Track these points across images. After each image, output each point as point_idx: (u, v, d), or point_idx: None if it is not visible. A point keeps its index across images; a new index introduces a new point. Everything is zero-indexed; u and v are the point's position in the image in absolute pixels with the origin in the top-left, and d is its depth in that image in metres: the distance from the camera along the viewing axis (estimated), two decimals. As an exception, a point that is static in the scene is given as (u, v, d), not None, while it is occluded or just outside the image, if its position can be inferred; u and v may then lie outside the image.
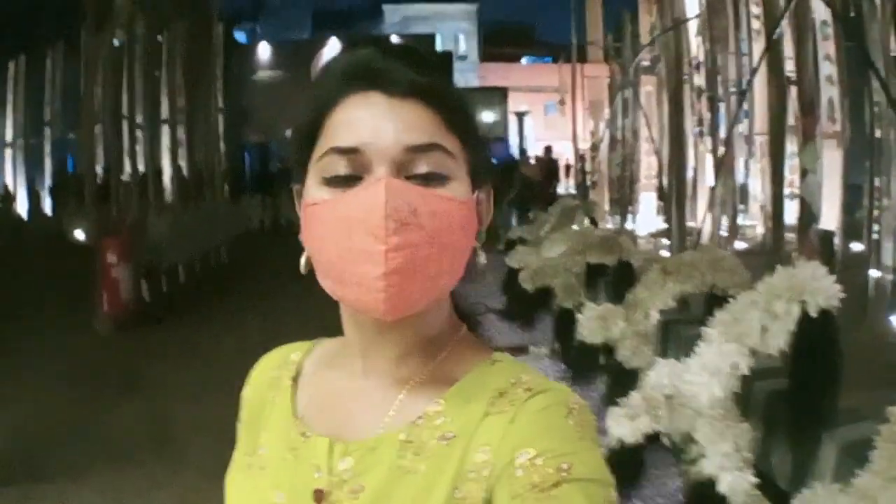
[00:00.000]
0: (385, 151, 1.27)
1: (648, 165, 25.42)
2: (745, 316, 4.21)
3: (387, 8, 61.48)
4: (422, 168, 1.29)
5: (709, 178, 19.72)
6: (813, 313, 4.06)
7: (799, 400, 4.52)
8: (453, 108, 1.35)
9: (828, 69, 16.61)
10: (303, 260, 1.40)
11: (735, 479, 4.35)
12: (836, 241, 16.09)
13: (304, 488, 1.36)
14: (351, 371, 1.46)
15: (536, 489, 1.19)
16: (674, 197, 15.67)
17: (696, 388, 4.32)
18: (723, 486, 4.32)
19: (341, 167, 1.30)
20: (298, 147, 1.39)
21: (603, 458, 1.26)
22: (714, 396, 4.30)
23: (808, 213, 10.71)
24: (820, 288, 4.11)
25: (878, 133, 15.24)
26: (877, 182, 15.15)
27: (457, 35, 61.29)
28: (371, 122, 1.29)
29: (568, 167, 42.28)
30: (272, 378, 1.57)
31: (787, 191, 16.58)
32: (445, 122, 1.32)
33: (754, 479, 4.41)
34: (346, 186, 1.29)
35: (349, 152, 1.29)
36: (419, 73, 1.32)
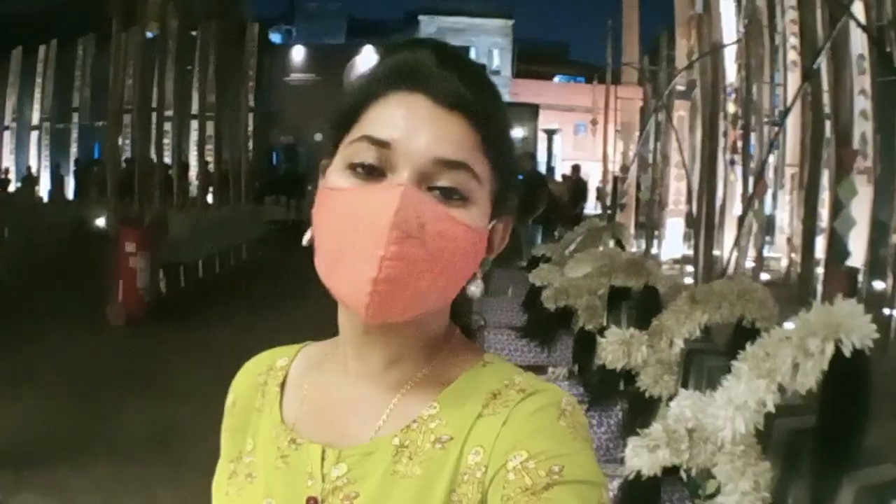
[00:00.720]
0: (413, 155, 1.27)
1: (677, 191, 25.37)
2: (777, 352, 4.08)
3: (422, 19, 61.67)
4: (444, 182, 1.28)
5: (737, 207, 19.64)
6: (847, 353, 3.94)
7: (825, 441, 4.39)
8: (494, 130, 1.34)
9: (862, 103, 16.56)
10: (307, 235, 1.38)
11: None
12: (860, 277, 16.05)
13: (296, 496, 1.36)
14: (342, 375, 1.45)
15: (528, 492, 1.19)
16: (702, 224, 15.60)
17: (720, 423, 4.20)
18: (739, 525, 4.22)
19: (369, 156, 1.28)
20: (333, 126, 1.37)
21: (595, 459, 1.27)
22: (738, 431, 4.18)
23: (842, 249, 10.61)
24: (856, 326, 3.97)
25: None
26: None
27: (491, 50, 61.47)
28: (409, 121, 1.28)
29: (599, 189, 42.28)
30: (258, 384, 1.56)
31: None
32: (482, 143, 1.31)
33: None
34: (367, 178, 1.28)
35: (380, 144, 1.27)
36: (469, 87, 1.31)
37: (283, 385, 1.53)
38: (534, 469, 1.21)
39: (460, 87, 1.30)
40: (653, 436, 4.35)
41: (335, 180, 1.32)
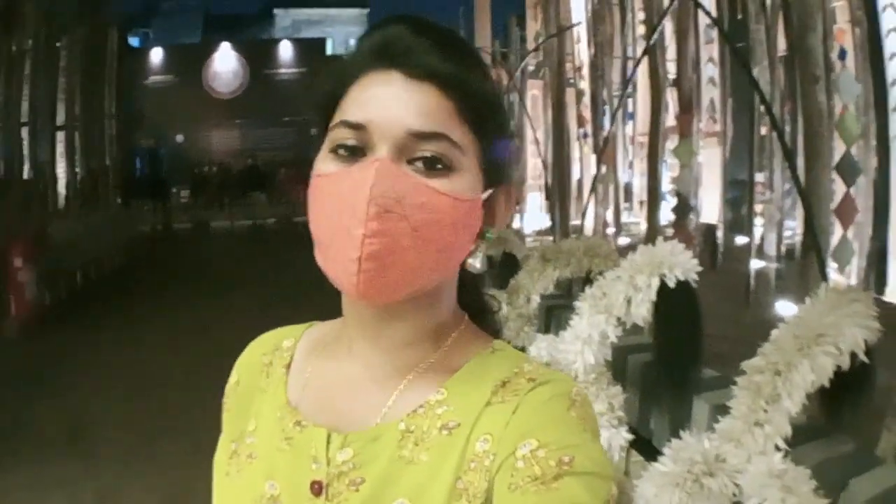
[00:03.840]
0: (389, 132, 1.26)
1: (534, 166, 25.89)
2: (611, 289, 4.65)
3: (278, 12, 61.08)
4: (422, 153, 1.27)
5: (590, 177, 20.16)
6: (671, 284, 4.52)
7: (663, 362, 4.96)
8: (471, 96, 1.32)
9: (711, 71, 17.18)
10: None
11: (611, 436, 4.73)
12: (720, 233, 16.72)
13: (300, 480, 1.34)
14: (349, 359, 1.43)
15: (538, 481, 1.18)
16: (556, 195, 16.14)
17: (570, 356, 4.72)
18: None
19: (348, 139, 1.28)
20: (317, 115, 1.39)
21: (604, 452, 1.26)
22: (587, 363, 4.69)
23: (684, 205, 11.23)
24: (677, 262, 4.56)
25: (763, 131, 15.72)
26: (761, 178, 15.66)
27: (347, 39, 60.81)
28: (382, 100, 1.28)
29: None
30: (262, 364, 1.54)
31: (669, 187, 17.15)
32: (458, 110, 1.30)
33: (629, 436, 4.82)
34: (350, 159, 1.29)
35: (357, 127, 1.28)
36: (443, 56, 1.30)
37: (288, 366, 1.52)
38: (544, 458, 1.19)
39: (432, 57, 1.29)
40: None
41: (321, 166, 1.32)
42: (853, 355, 3.71)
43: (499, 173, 1.38)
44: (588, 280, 6.28)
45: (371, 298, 1.28)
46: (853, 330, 3.71)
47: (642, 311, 4.57)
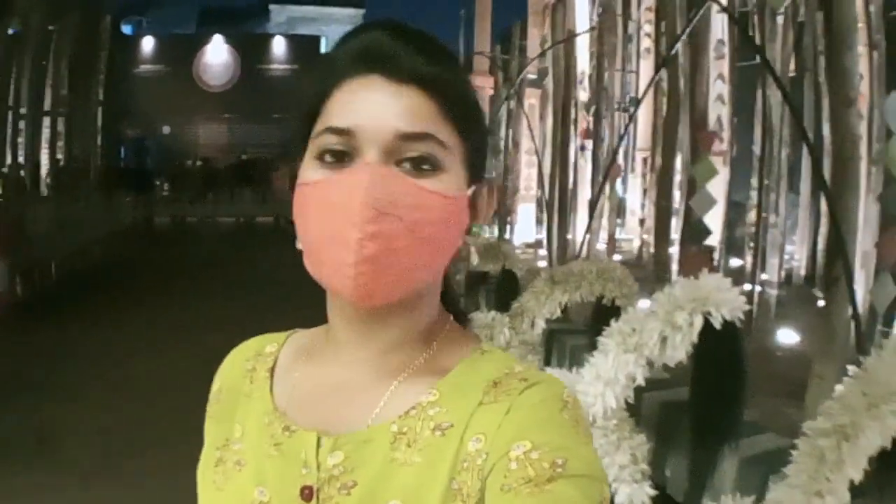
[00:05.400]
0: (376, 135, 1.27)
1: (528, 177, 25.67)
2: (643, 326, 4.17)
3: (273, 8, 61.27)
4: (411, 154, 1.28)
5: (587, 191, 19.97)
6: (717, 325, 4.05)
7: (702, 412, 4.53)
8: (453, 97, 1.33)
9: (720, 88, 16.89)
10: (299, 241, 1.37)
11: (634, 492, 4.35)
12: (716, 255, 16.43)
13: (290, 485, 1.33)
14: (335, 363, 1.42)
15: (531, 483, 1.16)
16: (555, 208, 15.81)
17: (590, 399, 4.26)
18: (620, 499, 4.32)
19: (335, 144, 1.28)
20: (298, 124, 1.36)
21: (596, 454, 1.25)
22: (608, 406, 4.25)
23: (700, 228, 10.88)
24: (724, 300, 4.11)
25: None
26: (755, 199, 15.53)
27: (341, 39, 61.32)
28: (367, 105, 1.28)
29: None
30: (245, 370, 1.53)
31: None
32: (443, 111, 1.31)
33: (653, 492, 4.43)
34: (337, 165, 1.29)
35: (343, 133, 1.28)
36: (424, 59, 1.31)
37: (272, 371, 1.50)
38: (537, 460, 1.19)
39: (413, 60, 1.30)
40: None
41: (307, 175, 1.32)
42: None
43: (480, 169, 1.41)
44: (602, 307, 5.88)
45: (367, 301, 1.29)
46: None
47: (680, 354, 4.11)
